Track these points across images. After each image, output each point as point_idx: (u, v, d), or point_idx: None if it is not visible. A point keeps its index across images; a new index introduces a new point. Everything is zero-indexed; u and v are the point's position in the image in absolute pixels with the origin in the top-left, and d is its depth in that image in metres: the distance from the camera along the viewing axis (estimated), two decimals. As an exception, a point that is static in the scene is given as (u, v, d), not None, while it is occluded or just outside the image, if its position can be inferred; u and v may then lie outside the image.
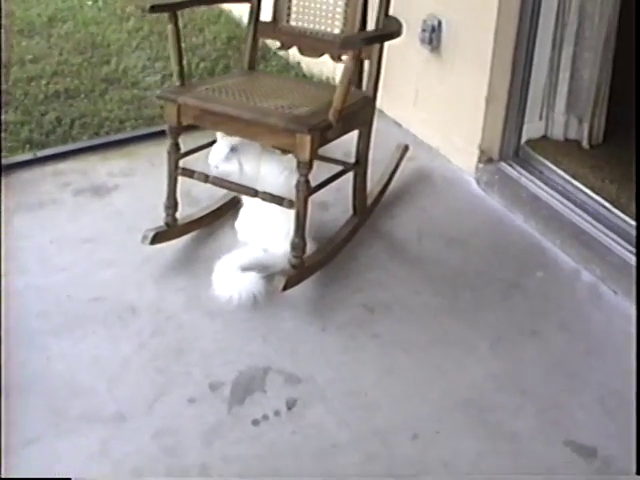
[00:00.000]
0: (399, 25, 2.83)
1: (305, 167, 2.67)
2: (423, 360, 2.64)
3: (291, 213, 2.83)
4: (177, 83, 2.92)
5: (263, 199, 2.81)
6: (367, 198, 3.18)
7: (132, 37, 4.85)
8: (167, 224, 2.99)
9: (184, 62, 2.92)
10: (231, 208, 3.22)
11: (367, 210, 3.19)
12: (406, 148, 3.47)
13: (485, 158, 3.37)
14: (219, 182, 2.91)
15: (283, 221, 2.89)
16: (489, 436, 2.39)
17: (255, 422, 2.42)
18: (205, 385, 2.54)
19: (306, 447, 2.35)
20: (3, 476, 2.05)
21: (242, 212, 3.07)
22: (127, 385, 2.54)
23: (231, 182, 2.89)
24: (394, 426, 2.42)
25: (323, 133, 2.67)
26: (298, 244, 2.78)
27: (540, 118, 3.37)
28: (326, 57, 3.04)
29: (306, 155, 2.64)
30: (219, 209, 3.21)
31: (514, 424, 2.43)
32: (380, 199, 3.29)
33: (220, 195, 3.25)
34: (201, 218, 3.14)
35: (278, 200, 2.78)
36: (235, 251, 2.92)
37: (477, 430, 2.41)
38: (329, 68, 3.94)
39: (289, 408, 2.47)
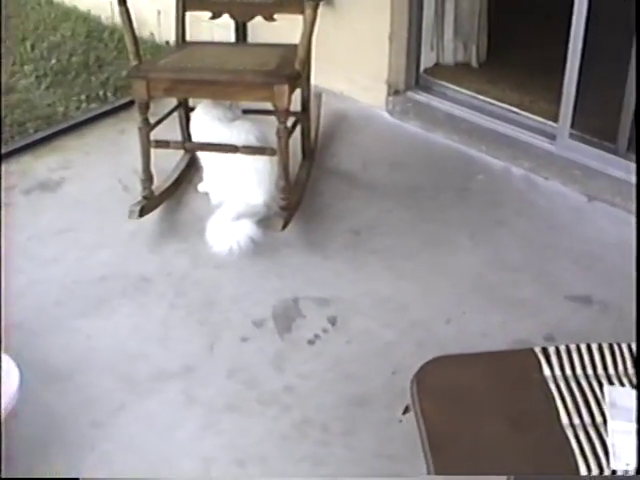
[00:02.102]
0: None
1: (284, 115, 2.86)
2: (422, 261, 2.94)
3: (261, 164, 3.03)
4: (134, 62, 2.98)
5: (245, 153, 2.97)
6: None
7: (-17, 46, 4.71)
8: (145, 197, 3.08)
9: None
10: (186, 176, 3.35)
11: (312, 153, 3.42)
12: (320, 95, 3.71)
13: (392, 91, 3.69)
14: (197, 147, 3.05)
15: (254, 173, 3.07)
16: (505, 307, 2.73)
17: (310, 342, 2.63)
18: (249, 324, 2.70)
19: (364, 350, 2.59)
20: (3, 476, 2.09)
21: (207, 174, 3.21)
22: (178, 341, 2.65)
23: (208, 144, 3.02)
24: (427, 317, 2.71)
25: (294, 82, 2.88)
26: (285, 187, 2.97)
27: (432, 48, 3.74)
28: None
29: (284, 103, 2.83)
30: (178, 178, 3.31)
31: (520, 293, 2.79)
32: (317, 143, 3.52)
33: (172, 166, 3.37)
34: (169, 188, 3.24)
35: (260, 150, 2.96)
36: (219, 210, 3.05)
37: (494, 304, 2.75)
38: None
39: (333, 324, 2.69)
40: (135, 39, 2.97)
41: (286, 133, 2.89)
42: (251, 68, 2.88)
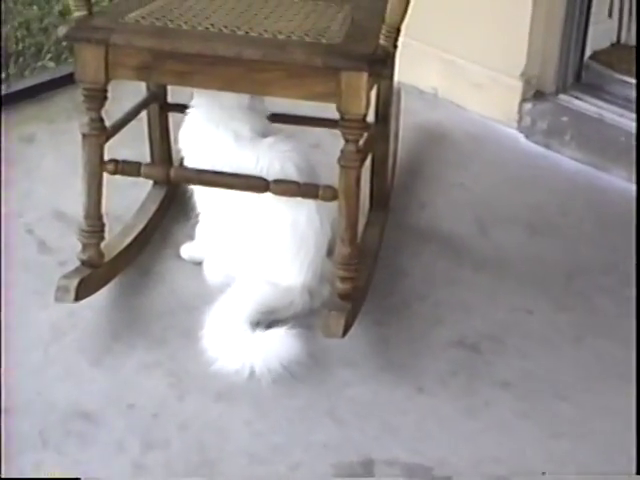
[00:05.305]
0: None
1: (357, 128, 2.93)
2: (597, 406, 3.04)
3: (304, 215, 3.14)
4: (78, 13, 3.02)
5: (279, 193, 3.06)
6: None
7: None
8: (89, 262, 3.15)
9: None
10: (158, 227, 3.48)
11: (387, 199, 3.55)
12: (399, 94, 3.83)
13: (532, 92, 3.82)
14: (191, 177, 3.17)
15: (292, 231, 3.20)
16: None
17: (400, 543, 2.72)
18: (287, 504, 2.78)
19: None
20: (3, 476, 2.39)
21: (204, 228, 3.34)
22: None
23: (214, 174, 3.12)
24: (613, 509, 2.80)
25: (379, 68, 2.94)
26: (350, 256, 3.04)
27: (610, 15, 3.87)
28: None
29: (361, 104, 2.89)
30: (144, 231, 3.43)
31: None
32: (394, 179, 3.65)
33: (131, 208, 3.48)
34: (127, 249, 3.35)
35: (308, 190, 3.04)
36: (224, 296, 3.17)
37: None
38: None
39: (439, 513, 2.78)
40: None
41: (358, 161, 2.96)
42: (299, 38, 2.96)
